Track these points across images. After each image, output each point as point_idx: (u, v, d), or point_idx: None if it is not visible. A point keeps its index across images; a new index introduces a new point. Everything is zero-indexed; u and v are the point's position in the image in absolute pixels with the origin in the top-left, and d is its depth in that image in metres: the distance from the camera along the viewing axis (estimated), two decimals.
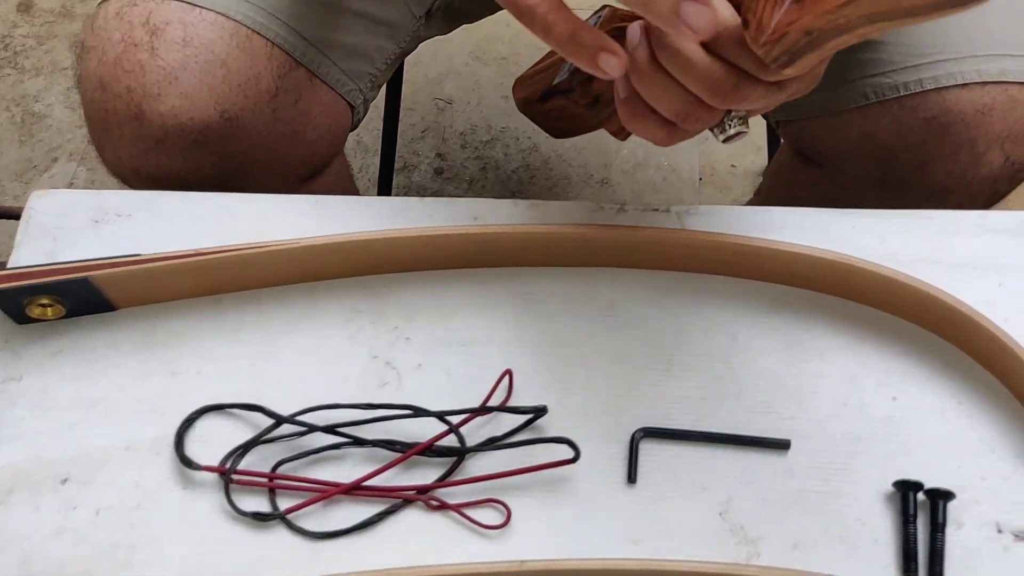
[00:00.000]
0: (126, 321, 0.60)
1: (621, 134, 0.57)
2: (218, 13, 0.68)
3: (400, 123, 1.42)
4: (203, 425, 0.56)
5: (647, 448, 0.55)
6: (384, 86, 1.18)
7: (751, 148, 1.45)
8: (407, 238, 0.59)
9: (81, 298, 0.58)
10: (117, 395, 0.57)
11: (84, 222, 0.63)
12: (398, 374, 0.58)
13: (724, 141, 0.52)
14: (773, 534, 0.53)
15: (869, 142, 0.73)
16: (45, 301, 0.58)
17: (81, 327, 0.60)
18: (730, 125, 0.51)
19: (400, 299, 0.60)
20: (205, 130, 0.68)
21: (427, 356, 0.59)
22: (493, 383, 0.56)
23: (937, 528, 0.52)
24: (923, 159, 0.72)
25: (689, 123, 0.51)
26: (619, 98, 0.53)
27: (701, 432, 0.55)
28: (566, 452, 0.53)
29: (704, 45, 0.48)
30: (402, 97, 1.30)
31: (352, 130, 0.80)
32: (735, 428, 0.55)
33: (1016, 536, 0.52)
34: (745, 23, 0.46)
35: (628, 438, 0.55)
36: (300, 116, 0.73)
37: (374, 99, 0.81)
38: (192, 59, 0.67)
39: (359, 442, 0.55)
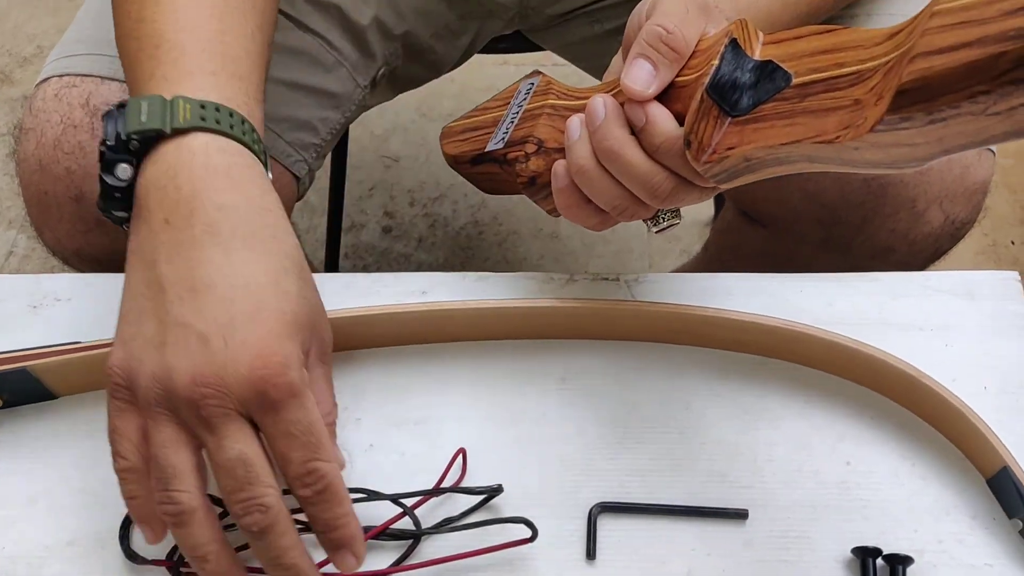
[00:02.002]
0: (67, 409, 0.58)
1: (554, 213, 0.57)
2: None
3: (347, 181, 1.42)
4: None
5: (605, 523, 0.55)
6: (331, 159, 1.18)
7: None
8: (354, 317, 0.58)
9: (19, 388, 0.57)
10: (59, 488, 0.56)
11: (21, 307, 0.62)
12: (349, 455, 0.57)
13: (657, 232, 0.53)
14: None
15: (811, 203, 0.74)
16: None
17: (20, 417, 0.58)
18: (663, 218, 0.53)
19: (349, 378, 0.59)
20: None
21: (378, 436, 0.58)
22: (447, 462, 0.56)
23: None
24: (865, 218, 0.73)
25: (625, 216, 0.52)
26: (556, 186, 0.53)
27: (659, 505, 0.55)
28: (523, 531, 0.52)
29: (644, 150, 0.49)
30: (349, 156, 1.30)
31: (298, 199, 0.80)
32: (692, 499, 0.55)
33: None
34: (687, 142, 0.47)
35: (586, 513, 0.55)
36: None
37: (319, 167, 0.81)
38: None
39: (308, 527, 0.54)
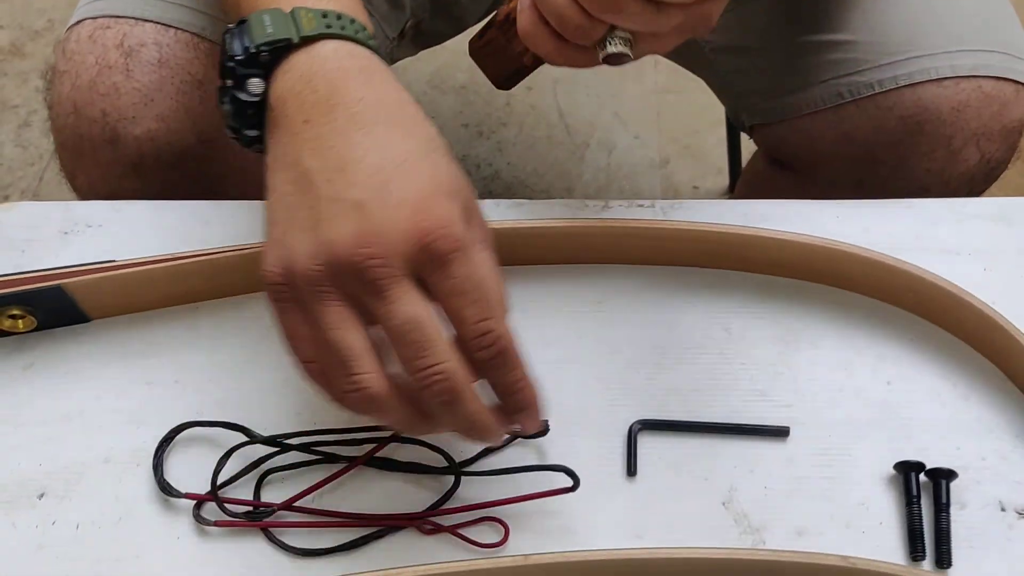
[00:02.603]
0: (100, 332, 0.58)
1: (527, 56, 0.59)
2: (193, 34, 0.67)
3: None
4: (183, 440, 0.54)
5: (645, 441, 0.54)
6: None
7: (712, 170, 1.46)
8: None
9: (53, 308, 0.56)
10: (93, 407, 0.55)
11: (53, 234, 0.61)
12: None
13: (604, 60, 0.53)
14: (777, 522, 0.52)
15: (846, 143, 0.74)
16: (16, 312, 0.56)
17: (54, 339, 0.57)
18: (611, 42, 0.52)
19: None
20: (182, 154, 0.67)
21: None
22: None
23: (941, 508, 0.51)
24: (901, 158, 0.72)
25: (574, 35, 0.52)
26: (520, 8, 0.54)
27: (700, 422, 0.54)
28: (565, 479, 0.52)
29: None
30: None
31: None
32: (733, 417, 0.55)
33: (1020, 514, 0.52)
34: None
35: (625, 432, 0.54)
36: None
37: None
38: (168, 80, 0.66)
39: (334, 460, 0.53)
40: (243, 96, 0.49)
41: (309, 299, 0.45)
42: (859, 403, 0.55)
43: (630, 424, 0.54)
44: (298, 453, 0.53)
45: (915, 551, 0.50)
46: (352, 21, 0.50)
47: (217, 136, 0.68)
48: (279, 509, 0.52)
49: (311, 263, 0.44)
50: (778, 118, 0.78)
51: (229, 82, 0.50)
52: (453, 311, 0.44)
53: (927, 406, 0.55)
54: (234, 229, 0.61)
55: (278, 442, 0.53)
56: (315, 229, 0.45)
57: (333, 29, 0.49)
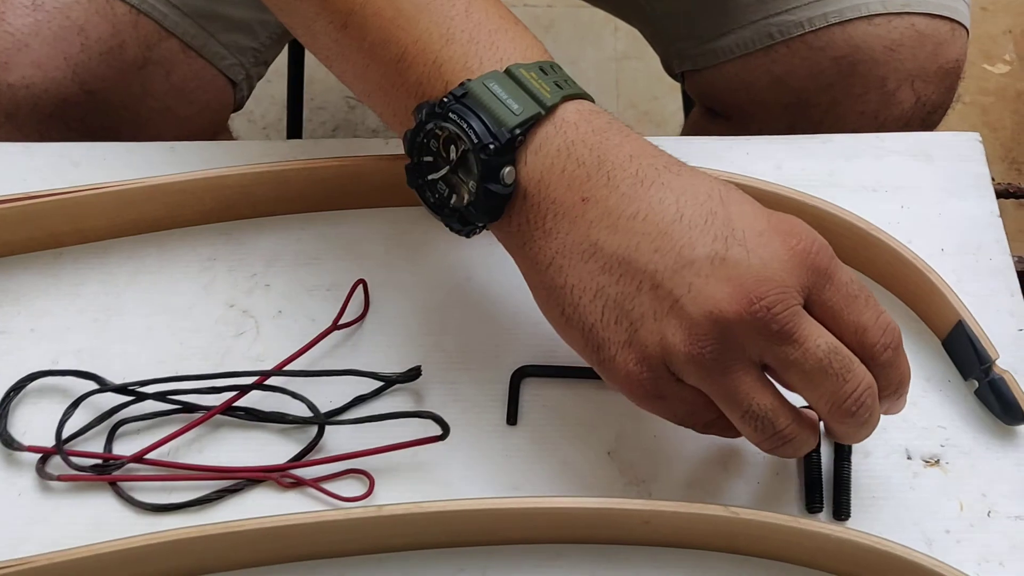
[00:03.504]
0: None
1: None
2: None
3: (310, 123, 1.37)
4: (34, 392, 0.50)
5: (530, 388, 0.50)
6: (288, 85, 1.13)
7: (673, 136, 1.42)
8: (265, 173, 0.53)
9: None
10: None
11: None
12: (256, 323, 0.53)
13: None
14: (665, 472, 0.48)
15: (778, 88, 0.71)
16: None
17: None
18: None
19: (260, 245, 0.55)
20: (62, 103, 0.63)
21: (288, 303, 0.53)
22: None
23: (843, 456, 0.47)
24: (833, 101, 0.69)
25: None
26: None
27: (588, 367, 0.50)
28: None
29: None
30: (312, 96, 1.25)
31: (236, 109, 0.76)
32: None
33: (926, 462, 0.48)
34: None
35: (508, 379, 0.50)
36: (173, 90, 0.68)
37: (260, 76, 0.76)
38: (44, 25, 0.62)
39: (192, 410, 0.49)
40: (499, 189, 0.43)
41: (701, 381, 0.41)
42: None
43: (513, 370, 0.50)
44: (155, 403, 0.50)
45: (812, 502, 0.47)
46: (555, 67, 0.45)
47: (102, 86, 0.64)
48: (129, 462, 0.48)
49: (694, 347, 0.40)
50: (710, 63, 0.74)
51: (480, 177, 0.43)
52: (852, 323, 0.41)
53: None
54: (108, 174, 0.57)
55: (130, 390, 0.49)
56: (674, 311, 0.40)
57: (566, 91, 0.44)
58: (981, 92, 1.49)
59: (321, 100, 1.49)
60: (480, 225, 0.46)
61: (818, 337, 0.40)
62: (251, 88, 0.75)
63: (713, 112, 0.81)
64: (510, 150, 0.43)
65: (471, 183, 0.44)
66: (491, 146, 0.43)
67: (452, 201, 0.45)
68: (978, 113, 1.49)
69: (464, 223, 0.46)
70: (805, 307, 0.41)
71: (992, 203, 0.55)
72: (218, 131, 0.78)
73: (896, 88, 0.68)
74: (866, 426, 0.42)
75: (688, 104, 1.30)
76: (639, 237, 0.41)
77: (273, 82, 1.18)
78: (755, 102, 0.74)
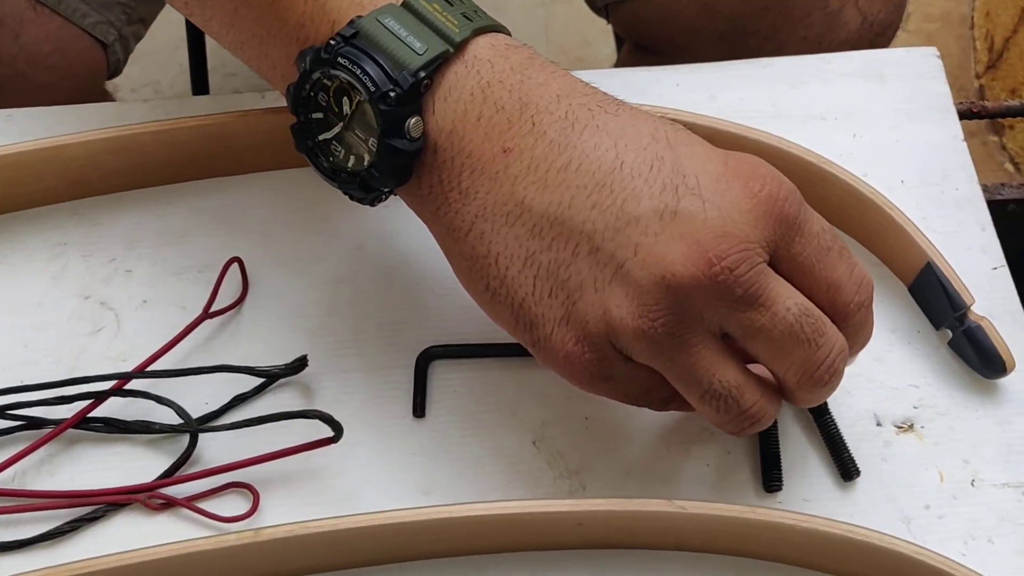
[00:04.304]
0: None
1: None
2: None
3: (222, 90, 1.28)
4: None
5: (439, 372, 0.43)
6: (188, 48, 1.04)
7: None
8: (114, 139, 0.45)
9: None
10: None
11: None
12: (116, 316, 0.45)
13: None
14: (600, 461, 0.41)
15: (709, 14, 0.65)
16: None
17: None
18: None
19: (118, 225, 0.47)
20: None
21: (153, 290, 0.46)
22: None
23: (822, 413, 0.41)
24: (773, 26, 0.64)
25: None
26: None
27: (505, 344, 0.43)
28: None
29: None
30: (223, 61, 1.16)
31: (111, 76, 0.67)
32: None
33: (898, 427, 0.42)
34: None
35: (412, 363, 0.43)
36: (24, 54, 0.60)
37: (139, 36, 0.68)
38: None
39: (40, 426, 0.42)
40: (404, 145, 0.36)
41: (654, 358, 0.35)
42: None
43: (417, 354, 0.43)
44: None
45: (770, 480, 0.40)
46: (474, 3, 0.38)
47: None
48: None
49: (643, 320, 0.33)
50: None
51: (380, 131, 0.36)
52: (825, 276, 0.35)
53: None
54: None
55: None
56: (619, 277, 0.34)
57: (477, 23, 0.37)
58: (926, 19, 1.43)
59: (233, 66, 1.39)
60: (386, 191, 0.39)
61: (787, 299, 0.34)
62: (127, 50, 0.67)
63: (643, 48, 0.75)
64: (414, 97, 0.36)
65: (371, 141, 0.37)
66: (391, 94, 0.35)
67: (350, 164, 0.38)
68: (923, 40, 1.43)
69: (366, 189, 0.38)
70: (771, 263, 0.35)
71: (955, 125, 0.49)
72: (89, 99, 0.69)
73: (840, 7, 0.63)
74: (831, 390, 0.36)
75: (621, 45, 1.23)
76: (573, 191, 0.35)
77: (181, 48, 1.10)
78: (686, 33, 0.68)
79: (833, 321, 0.35)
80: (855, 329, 0.36)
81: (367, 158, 0.37)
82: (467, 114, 0.36)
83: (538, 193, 0.35)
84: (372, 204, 0.40)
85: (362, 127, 0.37)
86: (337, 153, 0.38)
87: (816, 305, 0.35)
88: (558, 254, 0.35)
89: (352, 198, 0.39)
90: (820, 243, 0.35)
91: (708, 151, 0.36)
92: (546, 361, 0.36)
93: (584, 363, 0.35)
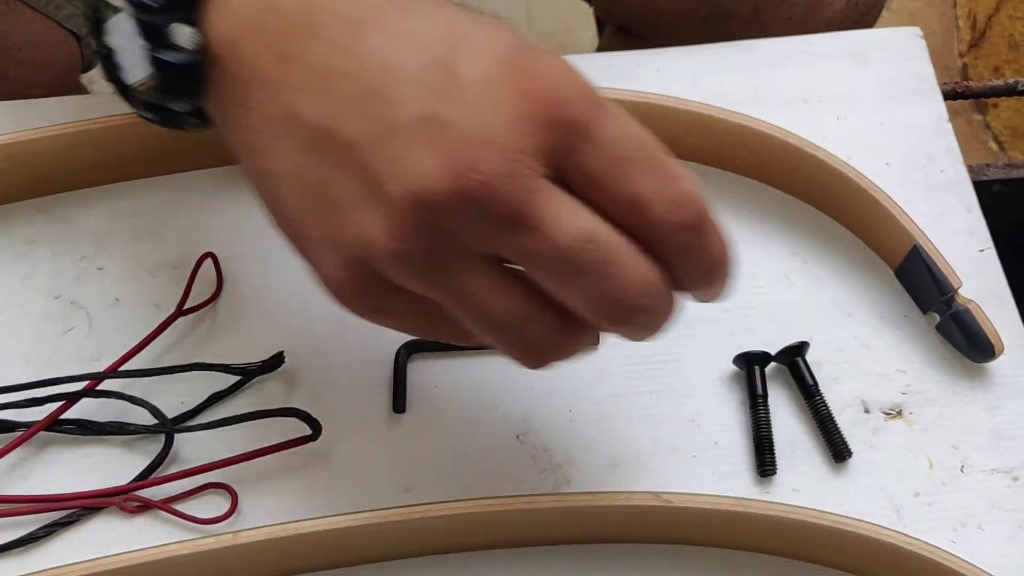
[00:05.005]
0: None
1: None
2: None
3: None
4: None
5: (418, 367, 0.42)
6: None
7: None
8: (81, 133, 0.44)
9: None
10: None
11: None
12: (88, 315, 0.44)
13: None
14: (585, 453, 0.40)
15: None
16: None
17: None
18: None
19: (88, 221, 0.46)
20: None
21: (126, 288, 0.44)
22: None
23: (812, 394, 0.41)
24: (756, 8, 0.62)
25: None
26: None
27: None
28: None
29: None
30: None
31: (86, 69, 0.66)
32: None
33: (886, 414, 0.41)
34: None
35: (391, 358, 0.42)
36: None
37: None
38: None
39: (10, 429, 0.41)
40: (171, 57, 0.32)
41: (419, 283, 0.31)
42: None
43: (397, 348, 0.42)
44: None
45: (763, 464, 0.40)
46: None
47: None
48: None
49: (398, 240, 0.29)
50: None
51: (146, 43, 0.33)
52: (624, 191, 0.30)
53: (773, 290, 0.44)
54: None
55: None
56: (376, 192, 0.30)
57: None
58: None
59: None
60: (184, 114, 0.35)
61: (565, 221, 0.29)
62: None
63: (625, 32, 0.74)
64: (181, 5, 0.32)
65: (144, 56, 0.33)
66: (149, 3, 0.32)
67: (134, 84, 0.34)
68: (906, 19, 1.42)
69: (155, 110, 0.35)
70: (562, 177, 0.30)
71: (940, 106, 0.48)
72: (64, 93, 0.68)
73: None
74: (649, 328, 0.32)
75: (603, 31, 1.22)
76: (346, 101, 0.31)
77: None
78: (668, 16, 0.66)
79: (649, 245, 0.30)
80: (680, 256, 0.31)
81: (143, 76, 0.33)
82: (247, 21, 0.32)
83: (313, 104, 0.31)
84: (183, 128, 0.36)
85: (131, 42, 0.33)
86: (121, 73, 0.34)
87: (625, 225, 0.30)
88: (328, 170, 0.31)
89: (153, 122, 0.36)
90: (616, 151, 0.29)
91: (495, 48, 0.30)
92: (321, 287, 0.33)
93: (348, 289, 0.32)
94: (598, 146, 0.29)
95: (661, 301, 0.31)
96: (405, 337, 0.42)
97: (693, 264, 0.31)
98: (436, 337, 0.34)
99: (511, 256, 0.30)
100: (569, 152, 0.29)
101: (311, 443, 0.39)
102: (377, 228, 0.30)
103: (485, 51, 0.30)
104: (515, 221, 0.29)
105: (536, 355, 0.32)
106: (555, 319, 0.31)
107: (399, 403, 0.41)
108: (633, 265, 0.30)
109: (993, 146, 1.25)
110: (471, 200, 0.28)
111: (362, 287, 0.31)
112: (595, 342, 0.33)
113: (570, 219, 0.29)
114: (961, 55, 1.32)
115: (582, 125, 0.29)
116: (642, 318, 0.31)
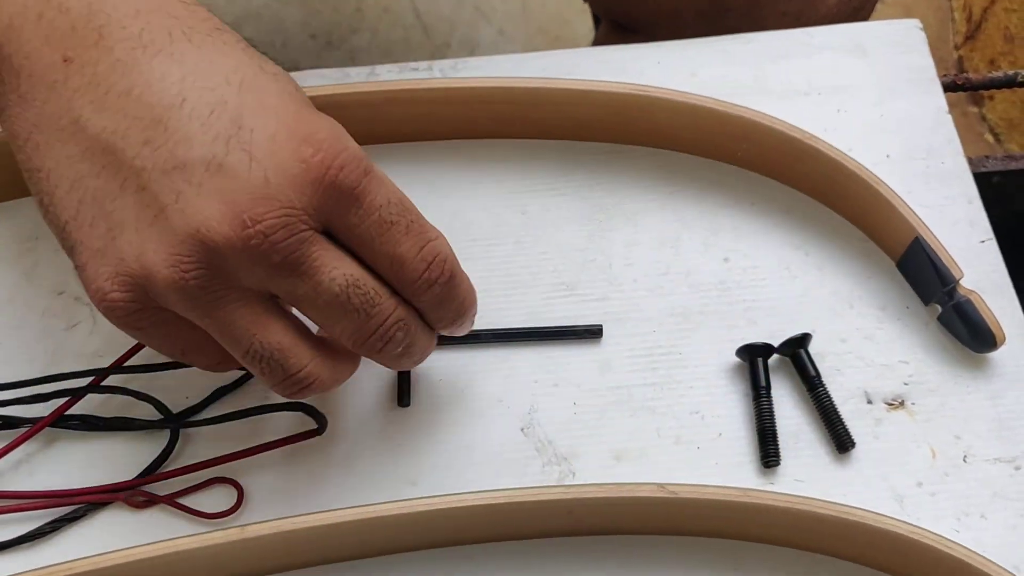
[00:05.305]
0: None
1: None
2: None
3: None
4: None
5: (424, 362, 0.42)
6: None
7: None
8: None
9: None
10: None
11: None
12: (92, 311, 0.44)
13: None
14: (590, 446, 0.41)
15: None
16: None
17: None
18: None
19: None
20: None
21: None
22: None
23: (814, 383, 0.41)
24: (752, 2, 0.63)
25: None
26: None
27: (490, 331, 0.43)
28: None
29: None
30: None
31: None
32: (531, 321, 0.43)
33: (889, 404, 0.41)
34: None
35: None
36: None
37: None
38: None
39: (16, 425, 0.41)
40: None
41: (190, 312, 0.33)
42: (689, 287, 0.44)
43: None
44: None
45: (767, 455, 0.40)
46: None
47: None
48: None
49: (175, 271, 0.32)
50: None
51: None
52: (387, 253, 0.34)
53: (775, 282, 0.44)
54: None
55: None
56: (163, 221, 0.32)
57: None
58: None
59: None
60: None
61: (333, 270, 0.33)
62: None
63: (621, 27, 0.74)
64: None
65: None
66: None
67: None
68: (901, 12, 1.42)
69: None
70: (332, 232, 0.33)
71: (940, 98, 0.48)
72: None
73: None
74: (404, 357, 0.36)
75: (599, 24, 1.22)
76: (129, 121, 0.32)
77: None
78: (664, 10, 0.67)
79: (406, 295, 0.35)
80: (431, 304, 0.35)
81: None
82: (27, 9, 0.33)
83: (95, 114, 0.32)
84: None
85: None
86: None
87: (385, 277, 0.34)
88: (106, 183, 0.32)
89: None
90: (381, 217, 0.33)
91: (281, 105, 0.33)
92: (86, 290, 0.34)
93: (113, 302, 0.33)
94: (366, 210, 0.33)
95: (415, 334, 0.35)
96: None
97: (444, 311, 0.36)
98: (188, 362, 0.37)
99: (285, 296, 0.33)
100: (341, 213, 0.33)
101: (316, 437, 0.40)
102: (157, 256, 0.32)
103: (272, 107, 0.33)
104: (289, 268, 0.32)
105: (295, 383, 0.35)
106: (313, 350, 0.35)
107: (404, 397, 0.41)
108: (390, 306, 0.34)
109: (989, 138, 1.25)
110: (249, 247, 0.31)
111: (127, 303, 0.33)
112: (353, 370, 0.37)
113: (338, 268, 0.33)
114: (957, 47, 1.32)
115: (353, 191, 0.32)
116: (392, 349, 0.35)
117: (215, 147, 0.31)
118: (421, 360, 0.37)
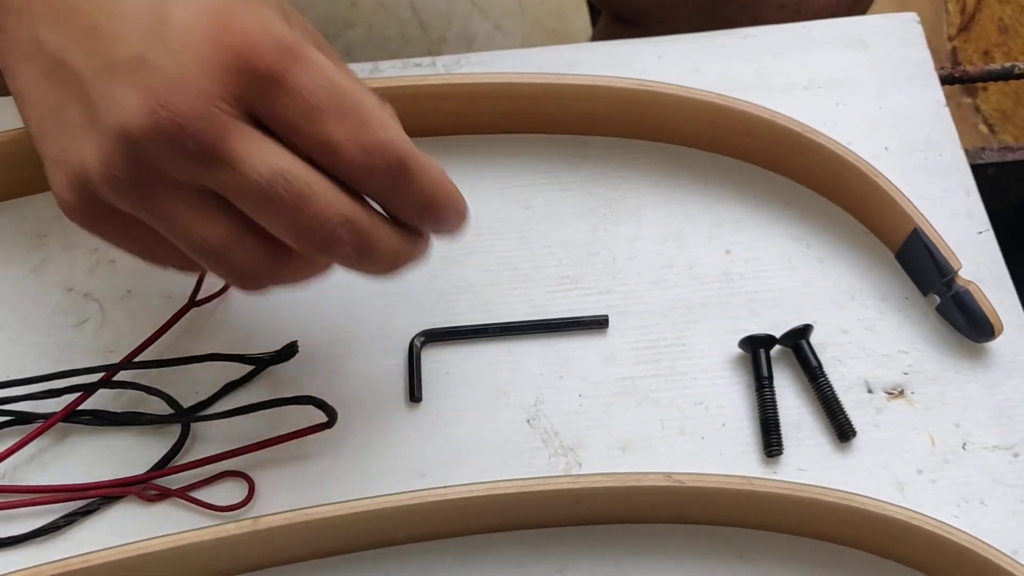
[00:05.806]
0: None
1: None
2: None
3: None
4: None
5: (432, 355, 0.43)
6: None
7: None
8: None
9: None
10: None
11: None
12: (101, 307, 0.44)
13: None
14: (595, 437, 0.41)
15: None
16: None
17: None
18: None
19: None
20: None
21: (138, 280, 0.45)
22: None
23: (815, 374, 0.41)
24: None
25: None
26: None
27: (496, 325, 0.43)
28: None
29: None
30: None
31: None
32: (536, 315, 0.44)
33: (889, 394, 0.42)
34: None
35: (406, 346, 0.43)
36: None
37: None
38: None
39: (29, 421, 0.41)
40: None
41: (133, 208, 0.33)
42: (692, 280, 0.45)
43: (411, 337, 0.43)
44: None
45: (770, 444, 0.40)
46: None
47: None
48: None
49: (108, 167, 0.32)
50: None
51: None
52: (317, 138, 0.32)
53: (776, 274, 0.45)
54: None
55: None
56: (94, 121, 0.32)
57: None
58: None
59: None
60: None
61: (258, 159, 0.32)
62: None
63: (620, 19, 0.74)
64: None
65: None
66: None
67: None
68: (896, 4, 1.43)
69: None
70: (256, 121, 0.32)
71: (938, 91, 0.49)
72: None
73: None
74: (366, 260, 0.34)
75: (596, 17, 1.22)
76: (76, 34, 0.33)
77: None
78: (662, 3, 0.67)
79: (350, 186, 0.33)
80: (383, 195, 0.34)
81: None
82: None
83: (50, 33, 0.34)
84: None
85: None
86: None
87: (326, 168, 0.33)
88: (60, 96, 0.34)
89: None
90: (309, 100, 0.32)
91: (205, 2, 0.33)
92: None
93: (70, 205, 0.34)
94: (290, 95, 0.32)
95: (373, 236, 0.33)
96: (416, 327, 0.43)
97: (401, 202, 0.34)
98: (160, 264, 0.37)
99: (216, 188, 0.33)
100: (262, 99, 0.32)
101: (326, 430, 0.40)
102: (91, 154, 0.33)
103: (201, 2, 0.33)
104: (209, 157, 0.32)
105: (247, 279, 0.34)
106: (262, 246, 0.34)
107: (415, 391, 0.42)
108: (327, 199, 0.32)
109: (983, 129, 1.26)
110: (164, 135, 0.31)
111: (83, 206, 0.34)
112: (318, 270, 0.36)
113: (263, 157, 0.32)
114: (950, 39, 1.32)
115: (273, 75, 0.31)
116: (342, 249, 0.33)
117: (140, 45, 0.32)
118: (396, 267, 0.35)
